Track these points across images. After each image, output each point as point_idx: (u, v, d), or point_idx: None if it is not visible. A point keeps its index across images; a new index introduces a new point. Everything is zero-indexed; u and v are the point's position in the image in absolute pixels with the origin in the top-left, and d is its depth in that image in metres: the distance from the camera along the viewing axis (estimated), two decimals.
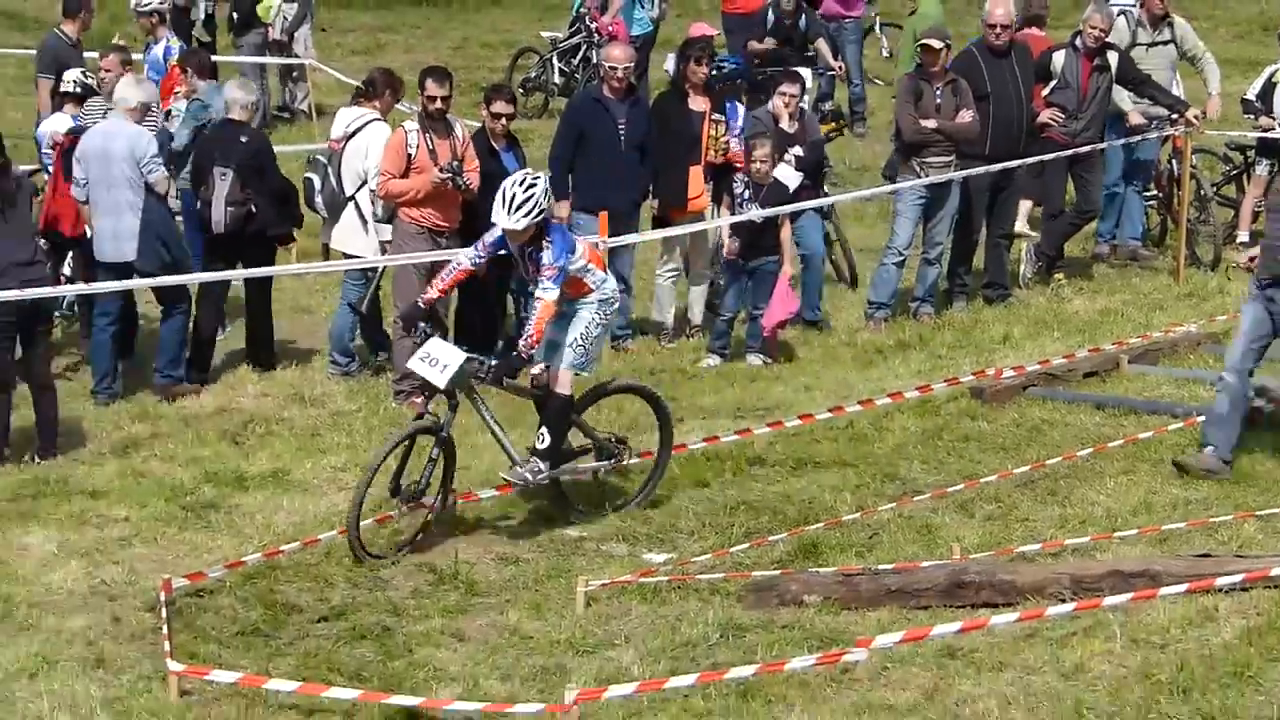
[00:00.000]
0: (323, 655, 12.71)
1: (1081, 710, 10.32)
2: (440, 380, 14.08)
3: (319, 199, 18.85)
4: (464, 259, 14.83)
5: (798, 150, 19.24)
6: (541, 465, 14.48)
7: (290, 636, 12.99)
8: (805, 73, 22.13)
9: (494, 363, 14.55)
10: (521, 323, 15.63)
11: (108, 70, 19.04)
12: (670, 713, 11.51)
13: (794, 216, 19.17)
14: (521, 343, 14.33)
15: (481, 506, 14.98)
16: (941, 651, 11.86)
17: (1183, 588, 11.98)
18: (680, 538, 14.54)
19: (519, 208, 14.09)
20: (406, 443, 14.35)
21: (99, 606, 13.27)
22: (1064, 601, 12.20)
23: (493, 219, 14.36)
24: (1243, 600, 11.79)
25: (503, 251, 14.75)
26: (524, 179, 14.39)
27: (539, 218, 14.24)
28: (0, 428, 15.90)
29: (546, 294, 14.17)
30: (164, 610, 12.82)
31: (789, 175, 19.05)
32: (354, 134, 18.58)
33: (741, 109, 19.87)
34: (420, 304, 14.71)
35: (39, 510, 14.79)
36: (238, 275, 18.73)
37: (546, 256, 14.22)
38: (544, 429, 14.52)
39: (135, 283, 17.70)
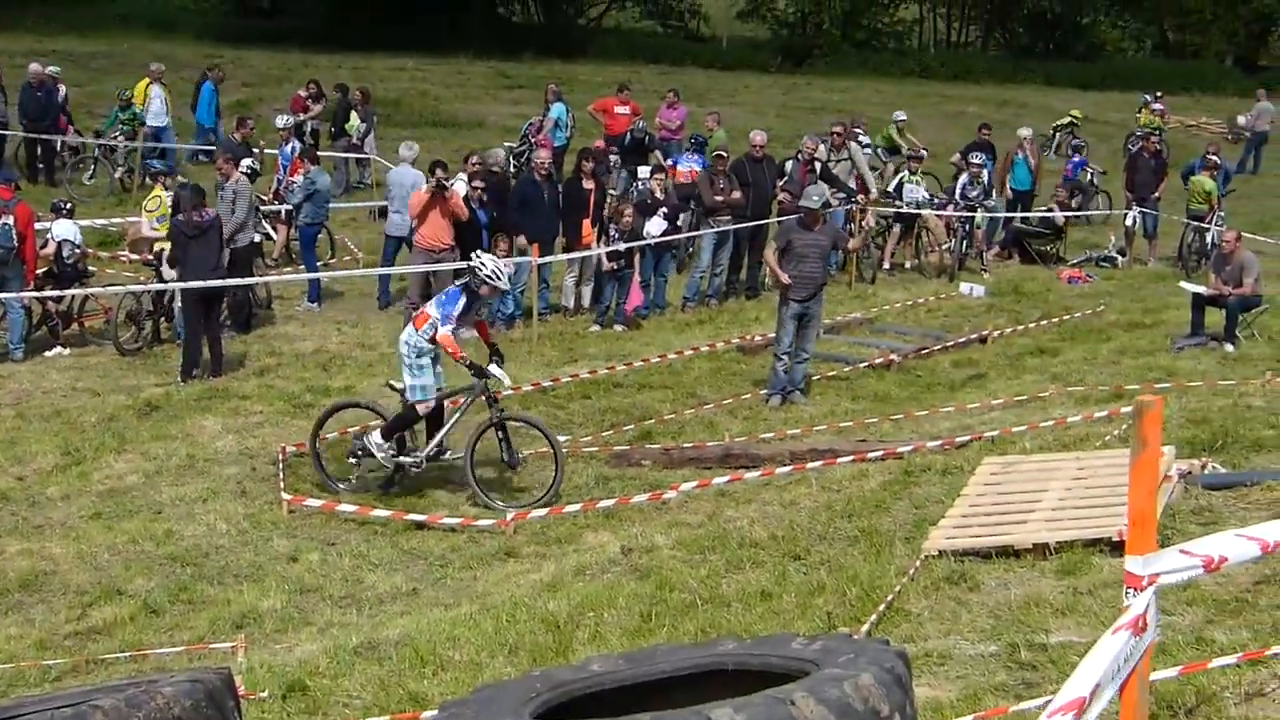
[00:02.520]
0: (371, 491, 12.75)
1: (794, 526, 10.26)
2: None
3: None
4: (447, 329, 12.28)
5: (664, 210, 19.20)
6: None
7: (371, 468, 12.92)
8: (645, 170, 22.09)
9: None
10: None
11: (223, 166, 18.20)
12: (565, 526, 11.59)
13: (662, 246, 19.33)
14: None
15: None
16: (718, 492, 11.92)
17: (850, 458, 12.15)
18: (574, 426, 14.50)
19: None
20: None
21: (244, 461, 13.25)
22: (785, 465, 12.32)
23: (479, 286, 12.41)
24: (882, 466, 11.84)
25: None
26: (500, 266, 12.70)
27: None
28: (193, 359, 15.72)
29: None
30: (281, 464, 12.82)
31: (657, 225, 19.07)
32: None
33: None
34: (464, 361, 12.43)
35: (212, 406, 14.68)
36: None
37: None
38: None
39: (228, 282, 17.41)
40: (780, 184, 20.40)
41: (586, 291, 19.58)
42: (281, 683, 8.19)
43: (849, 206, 20.92)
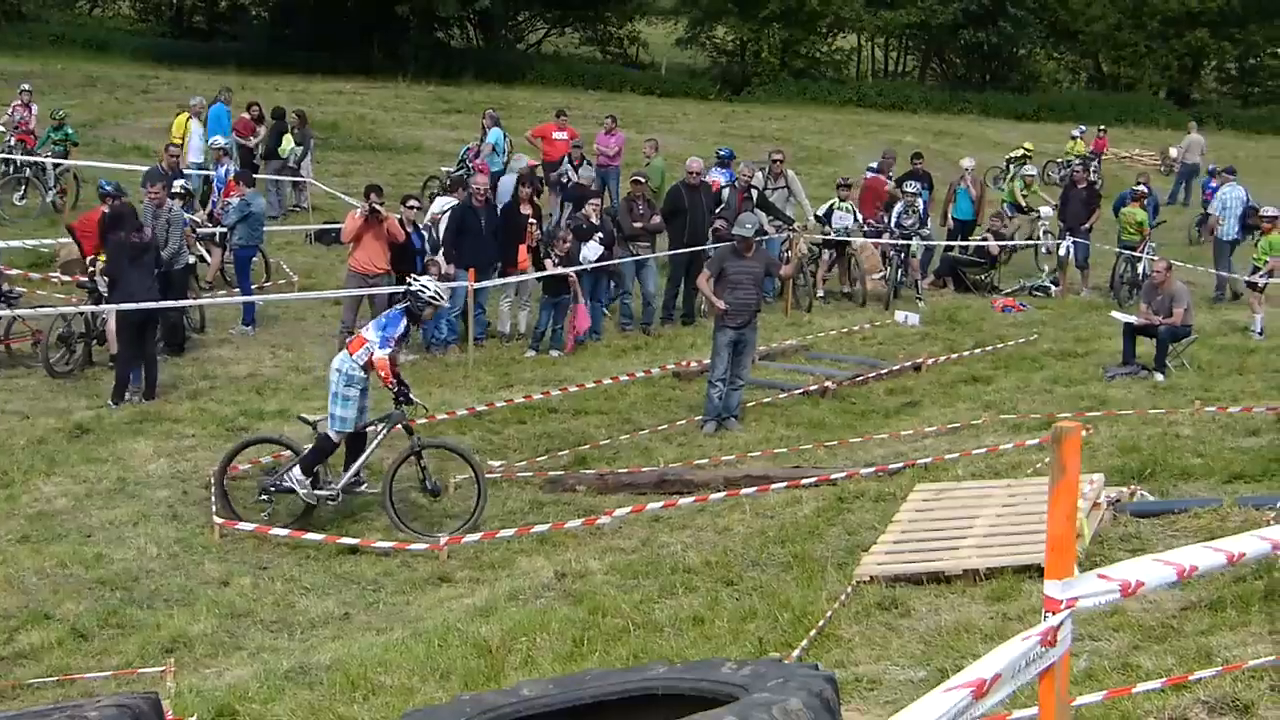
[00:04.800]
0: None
1: (727, 551, 10.29)
2: None
3: None
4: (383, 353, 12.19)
5: (599, 235, 19.26)
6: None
7: (285, 504, 12.90)
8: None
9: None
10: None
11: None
12: (499, 550, 11.58)
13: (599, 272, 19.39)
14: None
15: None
16: (652, 518, 11.93)
17: (784, 484, 12.21)
18: (509, 451, 14.51)
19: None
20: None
21: (176, 485, 13.13)
22: (719, 491, 12.36)
23: (420, 309, 12.53)
24: (816, 492, 11.89)
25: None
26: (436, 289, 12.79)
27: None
28: (126, 381, 15.55)
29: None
30: (213, 488, 12.74)
31: (593, 250, 19.12)
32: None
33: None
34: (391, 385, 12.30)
35: (144, 429, 14.54)
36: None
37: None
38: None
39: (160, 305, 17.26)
40: (716, 211, 20.49)
41: (523, 316, 19.58)
42: (210, 708, 8.14)
43: (785, 235, 21.05)
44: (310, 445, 12.48)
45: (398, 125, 37.18)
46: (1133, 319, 17.21)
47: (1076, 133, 37.42)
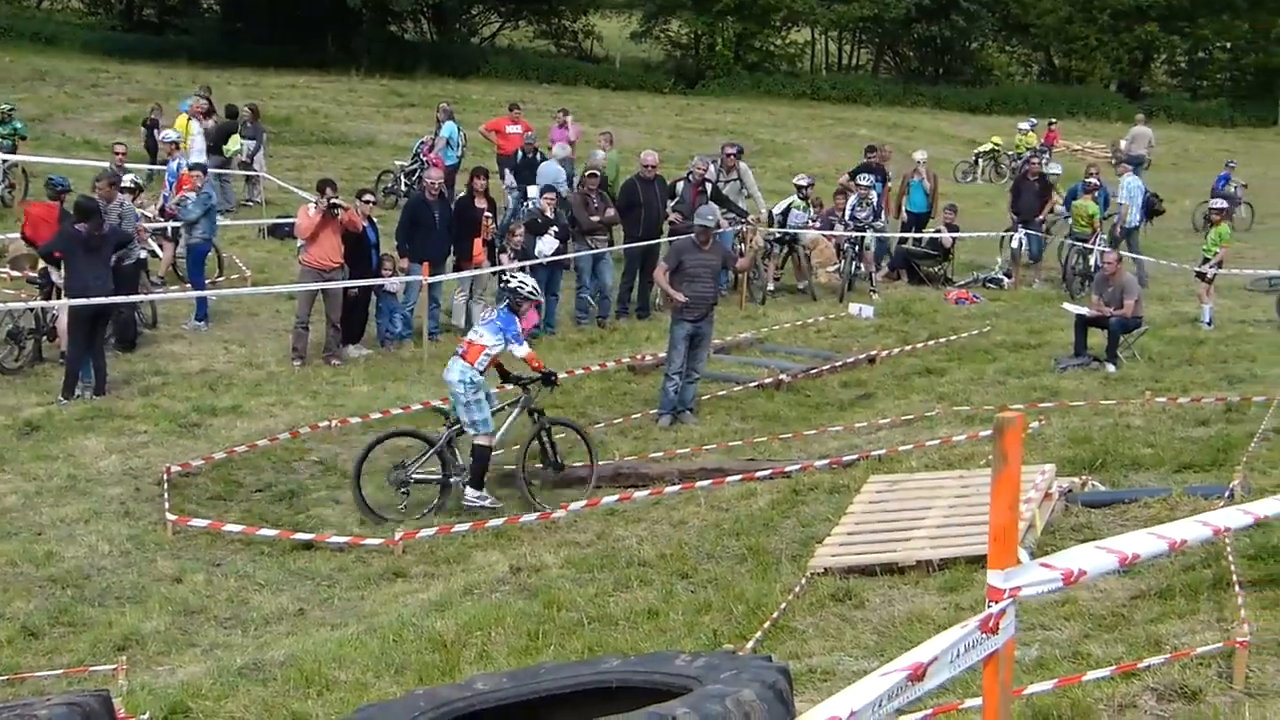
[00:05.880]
0: (257, 511, 12.62)
1: (682, 544, 10.31)
2: None
3: None
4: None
5: (555, 229, 19.23)
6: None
7: (239, 500, 12.85)
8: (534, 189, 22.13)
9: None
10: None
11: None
12: (454, 545, 11.54)
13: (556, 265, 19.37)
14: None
15: (349, 428, 14.82)
16: (607, 511, 11.93)
17: (739, 477, 12.25)
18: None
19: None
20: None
21: (128, 482, 13.04)
22: (674, 484, 12.37)
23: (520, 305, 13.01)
24: (771, 485, 11.93)
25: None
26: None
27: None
28: (73, 377, 15.44)
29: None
30: (165, 484, 12.66)
31: (548, 244, 19.08)
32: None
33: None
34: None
35: (95, 425, 14.45)
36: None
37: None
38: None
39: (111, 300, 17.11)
40: (671, 205, 20.50)
41: (478, 310, 19.52)
42: (163, 705, 8.07)
43: (739, 227, 21.08)
44: (441, 442, 12.78)
45: (351, 119, 37.05)
46: (1084, 310, 17.32)
47: (1027, 125, 37.69)
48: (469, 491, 12.69)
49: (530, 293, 13.11)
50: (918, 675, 3.98)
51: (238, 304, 19.92)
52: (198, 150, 24.24)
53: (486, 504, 12.68)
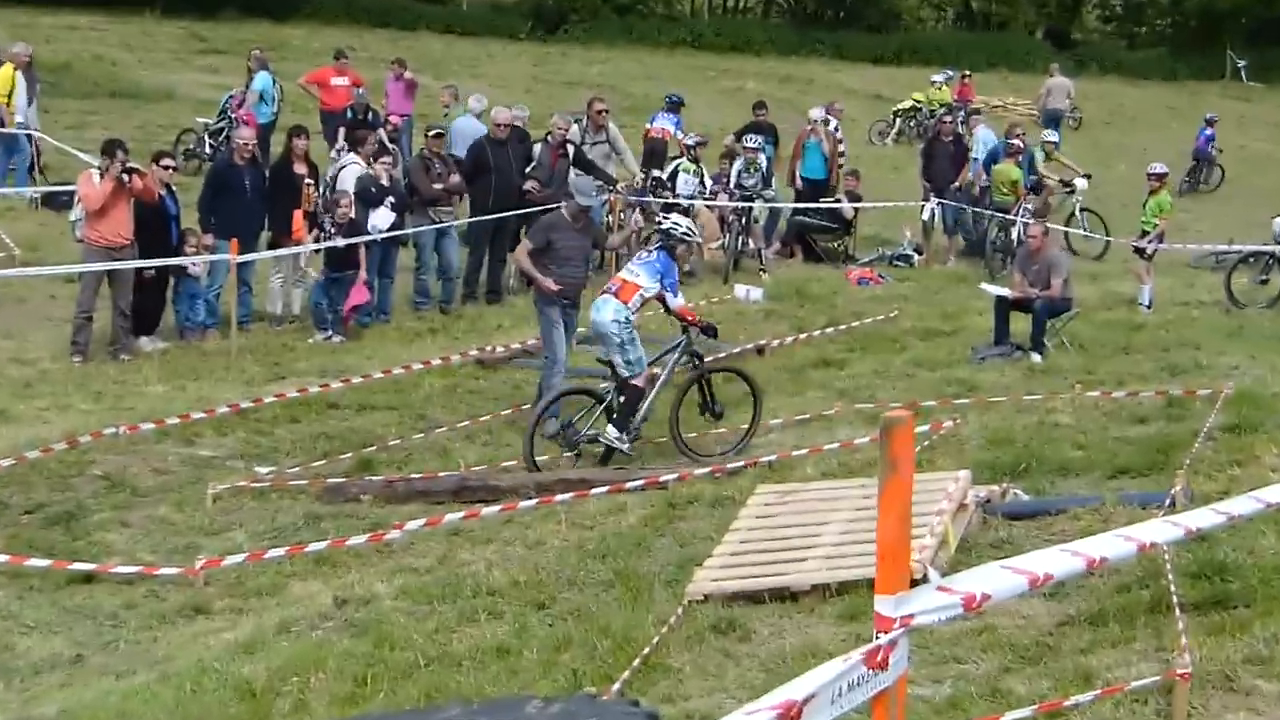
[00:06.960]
0: (25, 537, 12.32)
1: (539, 569, 10.25)
2: None
3: None
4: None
5: (390, 200, 19.06)
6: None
7: (3, 524, 12.54)
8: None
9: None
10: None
11: None
12: (269, 574, 11.40)
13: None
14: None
15: (140, 435, 14.49)
16: (451, 531, 11.84)
17: (605, 489, 12.23)
18: (279, 456, 14.30)
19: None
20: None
21: None
22: (530, 499, 12.32)
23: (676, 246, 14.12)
24: (643, 497, 11.93)
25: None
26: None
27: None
28: None
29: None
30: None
31: (384, 218, 18.90)
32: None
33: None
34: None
35: None
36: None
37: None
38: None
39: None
40: (528, 170, 20.42)
41: (297, 295, 19.30)
42: None
43: (605, 197, 21.07)
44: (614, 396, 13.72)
45: (145, 68, 36.49)
46: (1006, 292, 17.51)
47: (940, 78, 38.10)
48: (609, 430, 13.56)
49: (685, 233, 14.17)
50: (791, 716, 3.93)
51: (5, 288, 19.46)
52: (22, 109, 23.70)
53: (624, 448, 13.57)
